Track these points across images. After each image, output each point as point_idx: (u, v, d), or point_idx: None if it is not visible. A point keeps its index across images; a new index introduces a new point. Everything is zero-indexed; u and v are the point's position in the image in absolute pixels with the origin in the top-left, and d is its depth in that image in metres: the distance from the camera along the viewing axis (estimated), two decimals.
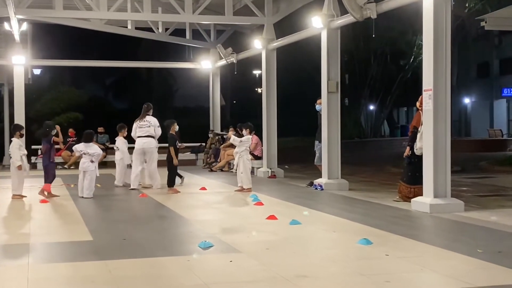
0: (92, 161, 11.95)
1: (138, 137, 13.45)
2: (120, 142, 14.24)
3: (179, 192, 12.67)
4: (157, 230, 8.34)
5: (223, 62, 21.01)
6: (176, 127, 13.01)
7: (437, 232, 8.48)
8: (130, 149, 14.09)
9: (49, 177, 11.81)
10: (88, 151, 11.99)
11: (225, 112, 27.50)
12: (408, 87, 36.94)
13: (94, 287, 5.40)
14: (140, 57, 27.43)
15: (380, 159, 24.54)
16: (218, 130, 21.99)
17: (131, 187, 13.38)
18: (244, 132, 13.29)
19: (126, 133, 14.23)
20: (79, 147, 12.17)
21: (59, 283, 5.57)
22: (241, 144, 12.80)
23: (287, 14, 17.03)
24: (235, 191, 12.79)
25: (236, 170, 13.17)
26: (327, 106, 13.41)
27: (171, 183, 12.78)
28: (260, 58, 17.56)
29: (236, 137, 13.06)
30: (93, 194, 11.90)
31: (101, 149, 18.91)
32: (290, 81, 30.01)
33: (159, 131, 13.54)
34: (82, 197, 11.76)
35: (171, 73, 39.22)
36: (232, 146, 17.96)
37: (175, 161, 12.69)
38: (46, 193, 11.73)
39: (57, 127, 12.53)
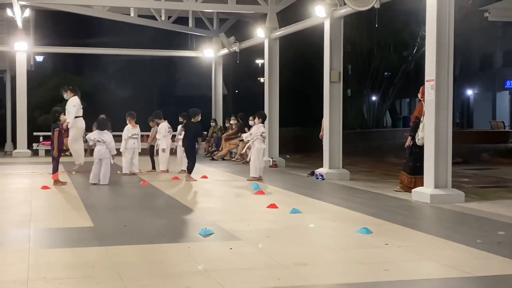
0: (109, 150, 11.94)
1: None
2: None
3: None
4: (158, 217, 8.36)
5: (225, 51, 20.95)
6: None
7: (437, 222, 8.50)
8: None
9: (54, 165, 11.79)
10: (103, 139, 11.95)
11: (227, 101, 27.45)
12: (410, 78, 36.83)
13: (95, 273, 5.42)
14: (142, 45, 27.28)
15: (381, 149, 24.53)
16: (220, 120, 21.99)
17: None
18: (255, 120, 13.44)
19: None
20: (93, 135, 12.20)
21: (60, 268, 5.58)
22: (252, 137, 12.96)
23: (291, 3, 17.00)
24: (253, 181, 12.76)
25: (248, 159, 13.43)
26: (329, 96, 13.42)
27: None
28: (263, 47, 17.53)
29: (247, 134, 13.38)
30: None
31: None
32: (292, 71, 29.90)
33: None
34: (95, 184, 11.78)
35: (174, 62, 39.09)
36: (235, 136, 18.04)
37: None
38: (54, 181, 11.73)
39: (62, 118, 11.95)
